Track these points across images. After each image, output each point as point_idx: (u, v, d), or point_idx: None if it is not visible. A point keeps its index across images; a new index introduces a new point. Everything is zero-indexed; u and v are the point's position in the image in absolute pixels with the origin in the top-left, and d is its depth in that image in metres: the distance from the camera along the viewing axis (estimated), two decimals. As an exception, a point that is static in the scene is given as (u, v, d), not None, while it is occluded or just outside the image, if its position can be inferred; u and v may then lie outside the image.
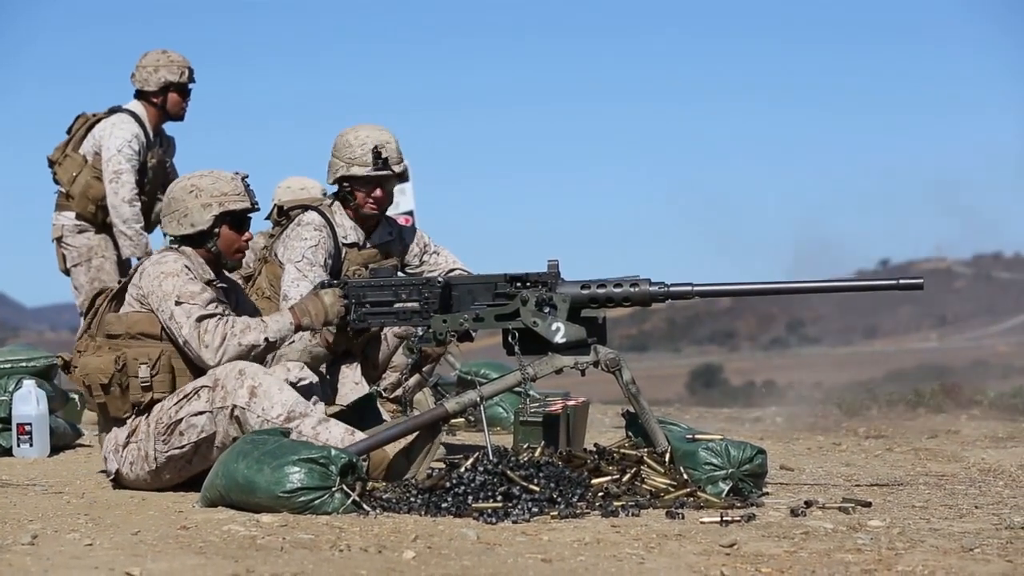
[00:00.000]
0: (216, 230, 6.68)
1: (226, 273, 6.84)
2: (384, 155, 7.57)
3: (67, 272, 10.19)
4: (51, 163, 10.14)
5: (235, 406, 6.33)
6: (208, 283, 6.60)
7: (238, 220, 6.74)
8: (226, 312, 6.55)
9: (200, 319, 6.40)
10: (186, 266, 6.55)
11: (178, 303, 6.42)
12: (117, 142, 9.88)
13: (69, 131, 10.16)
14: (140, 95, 10.12)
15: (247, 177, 6.84)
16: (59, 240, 10.15)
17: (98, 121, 10.06)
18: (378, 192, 7.65)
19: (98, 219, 10.02)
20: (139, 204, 9.84)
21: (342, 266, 7.65)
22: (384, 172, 7.60)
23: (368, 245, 7.75)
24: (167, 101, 10.11)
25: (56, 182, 10.12)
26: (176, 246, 6.72)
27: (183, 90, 10.15)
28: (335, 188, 7.78)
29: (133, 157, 9.91)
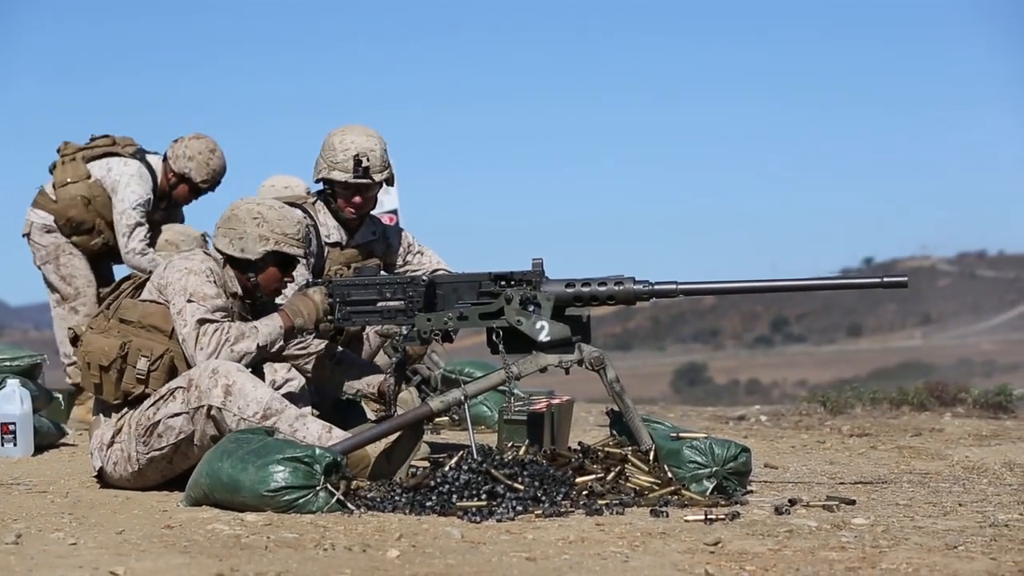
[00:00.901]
0: (262, 265, 6.69)
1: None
2: (365, 164, 7.54)
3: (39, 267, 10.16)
4: (59, 153, 10.07)
5: (211, 406, 6.33)
6: (233, 295, 6.63)
7: (286, 262, 6.75)
8: (230, 318, 6.55)
9: (202, 321, 6.42)
10: (210, 268, 6.58)
11: (189, 300, 6.45)
12: (133, 198, 9.80)
13: (92, 139, 10.10)
14: (165, 158, 10.05)
15: (311, 226, 6.83)
16: (27, 236, 10.12)
17: (117, 154, 10.00)
18: (357, 199, 7.64)
19: (65, 232, 9.98)
20: (151, 251, 9.78)
21: (324, 265, 7.64)
22: (363, 181, 7.58)
23: (351, 244, 7.73)
24: (176, 185, 10.03)
25: (51, 172, 10.06)
26: (219, 258, 6.71)
27: (197, 191, 10.06)
28: (319, 187, 7.77)
29: (145, 213, 9.86)
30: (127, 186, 9.81)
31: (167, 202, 10.08)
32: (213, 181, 9.98)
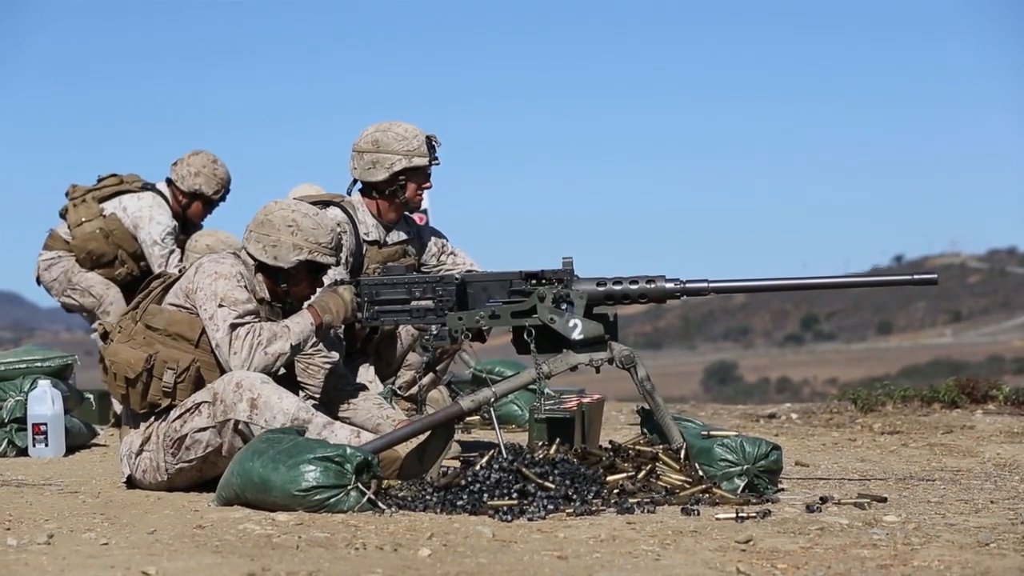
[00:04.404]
0: (294, 273, 6.66)
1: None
2: (436, 144, 7.64)
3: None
4: (68, 197, 10.19)
5: (237, 420, 6.32)
6: (260, 300, 6.61)
7: (317, 270, 6.74)
8: (259, 319, 6.52)
9: (234, 326, 6.39)
10: (240, 272, 6.55)
11: (221, 305, 6.41)
12: (159, 229, 10.06)
13: (99, 180, 10.21)
14: (170, 183, 10.19)
15: (344, 234, 6.82)
16: (38, 280, 10.27)
17: (128, 191, 10.12)
18: (428, 182, 7.69)
19: (86, 266, 10.10)
20: None
21: (363, 263, 7.62)
22: (437, 162, 7.64)
23: (388, 243, 7.73)
24: (191, 205, 10.18)
25: (62, 216, 10.18)
26: (249, 263, 6.68)
27: (211, 204, 10.24)
28: (354, 189, 7.75)
29: (175, 239, 10.11)
30: (151, 219, 10.05)
31: (183, 224, 10.19)
32: (223, 190, 10.19)
